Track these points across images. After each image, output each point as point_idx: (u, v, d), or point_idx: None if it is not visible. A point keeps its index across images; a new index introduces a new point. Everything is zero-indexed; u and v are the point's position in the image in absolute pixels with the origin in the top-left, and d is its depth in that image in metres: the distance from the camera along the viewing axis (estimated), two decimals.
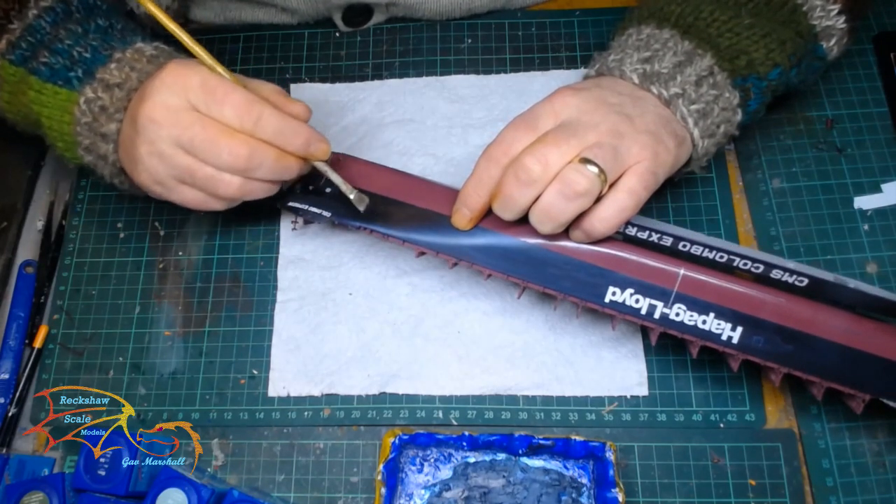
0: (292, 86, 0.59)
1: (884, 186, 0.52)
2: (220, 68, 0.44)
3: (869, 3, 0.51)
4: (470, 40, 0.60)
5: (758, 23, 0.45)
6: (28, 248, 0.57)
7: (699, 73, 0.44)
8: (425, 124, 0.57)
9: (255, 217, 0.55)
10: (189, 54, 0.45)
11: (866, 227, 0.51)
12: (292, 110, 0.46)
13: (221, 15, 0.63)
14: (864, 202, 0.52)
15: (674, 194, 0.53)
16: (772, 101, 0.48)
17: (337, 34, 0.61)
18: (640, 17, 0.49)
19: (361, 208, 0.47)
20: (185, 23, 0.64)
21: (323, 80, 0.60)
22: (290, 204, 0.50)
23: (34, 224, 0.58)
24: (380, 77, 0.59)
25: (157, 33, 0.62)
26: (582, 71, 0.56)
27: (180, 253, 0.55)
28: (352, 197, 0.47)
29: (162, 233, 0.56)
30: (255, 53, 0.61)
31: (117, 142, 0.46)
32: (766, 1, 0.46)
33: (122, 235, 0.56)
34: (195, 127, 0.42)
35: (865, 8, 0.50)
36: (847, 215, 0.52)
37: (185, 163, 0.44)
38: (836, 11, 0.46)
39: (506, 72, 0.59)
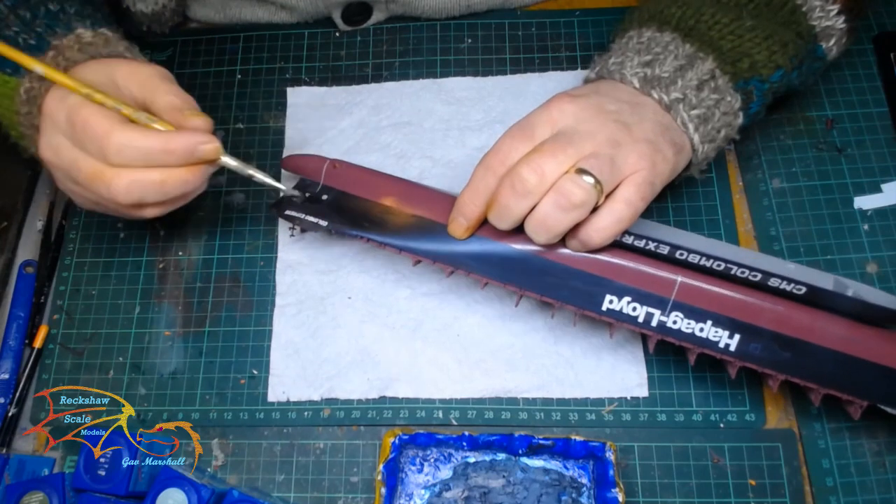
0: (289, 89, 0.59)
1: (884, 186, 0.52)
2: (77, 87, 0.42)
3: (868, 3, 0.51)
4: (470, 40, 0.60)
5: (759, 25, 0.45)
6: (28, 248, 0.57)
7: (700, 77, 0.44)
8: (422, 127, 0.57)
9: (256, 218, 0.55)
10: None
11: (866, 227, 0.51)
12: (161, 101, 0.43)
13: (221, 12, 0.63)
14: (864, 202, 0.52)
15: (674, 194, 0.53)
16: (771, 101, 0.48)
17: (337, 34, 0.61)
18: (640, 19, 0.48)
19: (283, 189, 0.48)
20: (184, 21, 0.64)
21: (323, 80, 0.60)
22: (287, 212, 0.49)
23: (34, 224, 0.58)
24: (380, 77, 0.59)
25: (152, 31, 0.62)
26: (581, 72, 0.56)
27: (180, 253, 0.55)
28: (282, 194, 0.48)
29: (162, 233, 0.56)
30: (254, 53, 0.61)
31: None
32: (766, 2, 0.46)
33: (122, 235, 0.56)
34: (74, 166, 0.42)
35: (864, 8, 0.49)
36: (847, 215, 0.52)
37: (90, 198, 0.44)
38: (835, 12, 0.46)
39: (506, 72, 0.58)
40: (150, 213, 0.45)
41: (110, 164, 0.41)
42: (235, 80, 0.60)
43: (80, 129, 0.41)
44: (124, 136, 0.41)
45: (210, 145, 0.43)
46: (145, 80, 0.44)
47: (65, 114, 0.41)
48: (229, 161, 0.45)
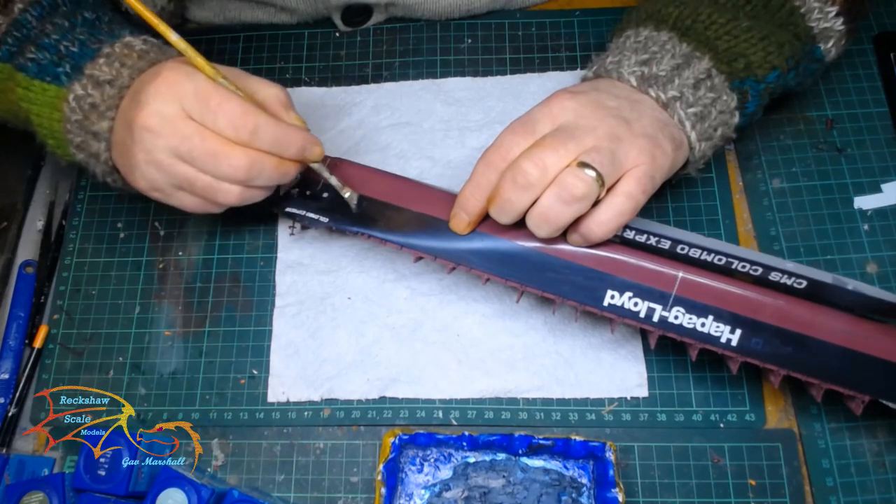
0: (288, 90, 0.59)
1: (884, 186, 0.52)
2: (210, 70, 0.43)
3: (868, 4, 0.51)
4: (470, 41, 0.60)
5: (756, 25, 0.45)
6: (28, 248, 0.57)
7: (697, 76, 0.44)
8: (422, 127, 0.57)
9: (256, 218, 0.55)
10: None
11: (866, 227, 0.51)
12: (288, 120, 0.45)
13: (220, 14, 0.63)
14: (864, 202, 0.52)
15: (674, 194, 0.53)
16: (770, 102, 0.48)
17: (336, 34, 0.61)
18: (637, 18, 0.48)
19: (353, 206, 0.47)
20: (182, 22, 0.64)
21: (322, 81, 0.60)
22: (288, 209, 0.49)
23: (34, 224, 0.58)
24: (379, 77, 0.59)
25: (148, 28, 0.61)
26: (580, 72, 0.56)
27: (180, 253, 0.55)
28: (346, 196, 0.47)
29: (162, 233, 0.56)
30: (254, 53, 0.61)
31: (109, 140, 0.45)
32: (763, 3, 0.46)
33: (122, 235, 0.56)
34: (193, 139, 0.42)
35: (864, 9, 0.50)
36: (847, 215, 0.52)
37: (183, 172, 0.43)
38: (833, 13, 0.46)
39: (506, 72, 0.58)
40: (235, 199, 0.44)
41: (237, 141, 0.42)
42: None
43: (212, 105, 0.41)
44: (261, 119, 0.42)
45: (318, 148, 0.45)
46: (236, 75, 0.45)
47: (192, 87, 0.42)
48: (319, 167, 0.46)
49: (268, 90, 0.45)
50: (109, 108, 0.45)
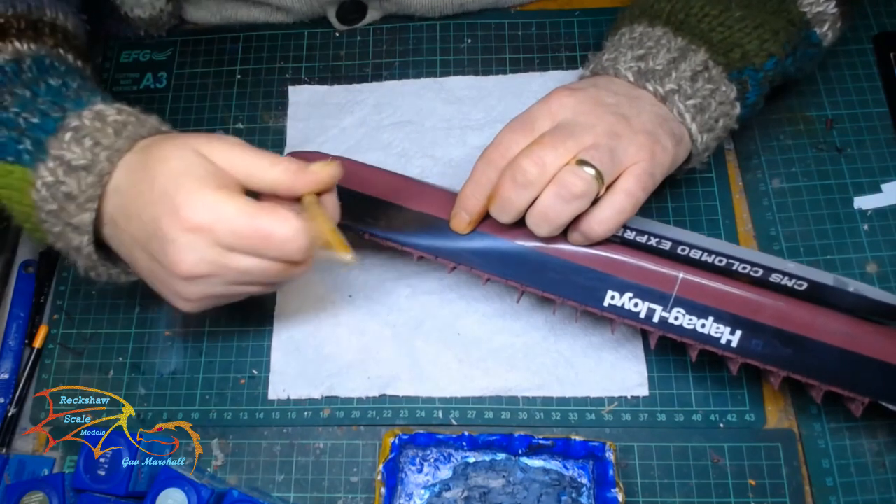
0: (290, 88, 0.59)
1: (884, 186, 0.52)
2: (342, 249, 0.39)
3: (867, 3, 0.51)
4: (469, 40, 0.60)
5: (749, 14, 0.45)
6: (28, 248, 0.57)
7: (694, 69, 0.44)
8: (423, 126, 0.57)
9: None
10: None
11: (866, 227, 0.51)
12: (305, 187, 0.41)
13: (217, 14, 0.62)
14: (864, 202, 0.52)
15: (674, 194, 0.53)
16: (771, 96, 0.48)
17: (336, 34, 0.61)
18: (631, 15, 0.48)
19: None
20: (180, 23, 0.64)
21: (322, 81, 0.60)
22: None
23: None
24: (379, 77, 0.59)
25: (150, 34, 0.61)
26: (580, 72, 0.56)
27: None
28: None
29: None
30: (254, 53, 0.61)
31: (92, 232, 0.41)
32: None
33: None
34: (253, 272, 0.39)
35: None
36: (847, 215, 0.52)
37: (244, 290, 0.42)
38: None
39: (505, 72, 0.58)
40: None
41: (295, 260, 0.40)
42: (235, 80, 0.60)
43: (260, 239, 0.38)
44: (304, 236, 0.39)
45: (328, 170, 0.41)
46: (246, 155, 0.40)
47: (228, 227, 0.37)
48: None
49: (271, 174, 0.40)
50: (90, 199, 0.39)
